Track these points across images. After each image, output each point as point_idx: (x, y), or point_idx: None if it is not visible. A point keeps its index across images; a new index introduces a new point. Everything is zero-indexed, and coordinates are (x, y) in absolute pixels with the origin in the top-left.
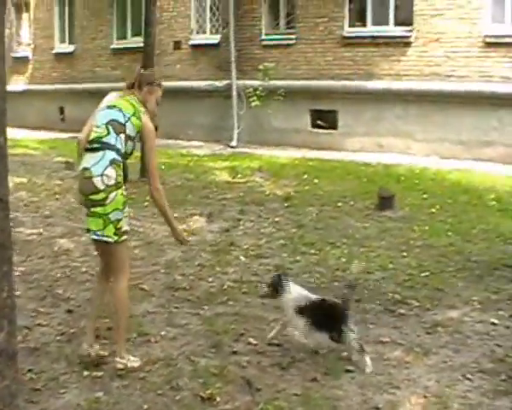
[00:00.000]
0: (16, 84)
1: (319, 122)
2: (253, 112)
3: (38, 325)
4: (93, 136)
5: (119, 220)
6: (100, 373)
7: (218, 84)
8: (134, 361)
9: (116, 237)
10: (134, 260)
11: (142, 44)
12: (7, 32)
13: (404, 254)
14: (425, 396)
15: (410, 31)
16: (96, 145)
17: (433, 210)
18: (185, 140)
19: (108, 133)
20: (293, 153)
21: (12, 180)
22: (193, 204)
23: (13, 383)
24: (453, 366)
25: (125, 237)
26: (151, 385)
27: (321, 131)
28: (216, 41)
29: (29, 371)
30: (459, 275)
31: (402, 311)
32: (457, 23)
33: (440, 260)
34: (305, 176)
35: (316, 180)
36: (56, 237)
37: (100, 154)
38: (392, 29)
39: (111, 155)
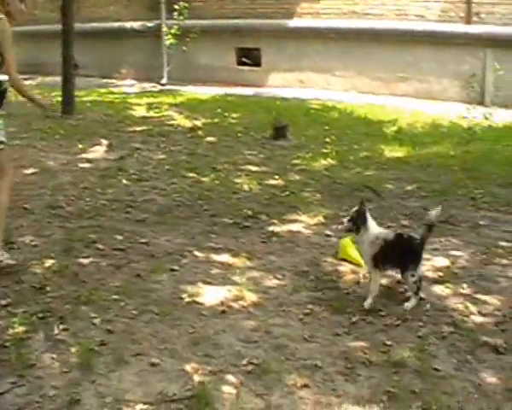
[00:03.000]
0: None
1: (244, 59)
2: (179, 51)
3: None
4: None
5: None
6: None
7: (149, 24)
8: (10, 259)
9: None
10: (24, 185)
11: None
12: None
13: (277, 177)
14: (229, 291)
15: None
16: None
17: (327, 140)
18: (119, 79)
19: None
20: (217, 90)
21: None
22: (101, 136)
23: None
24: (270, 268)
25: (1, 146)
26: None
27: (246, 68)
28: None
29: None
30: (318, 195)
31: (248, 224)
32: None
33: (307, 183)
34: (219, 110)
35: (226, 114)
36: None
37: None
38: None
39: None
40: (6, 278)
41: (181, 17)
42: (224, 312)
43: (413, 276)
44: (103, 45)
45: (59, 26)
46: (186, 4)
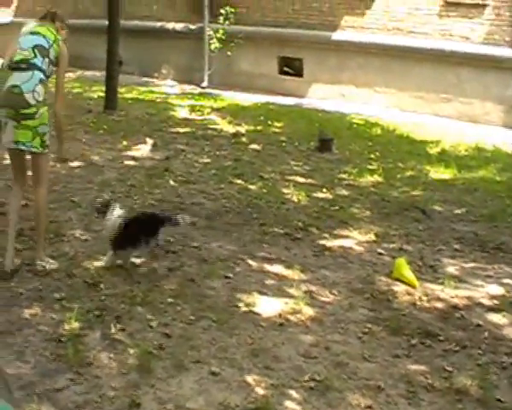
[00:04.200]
0: (2, 16)
1: (286, 69)
2: (222, 55)
3: None
4: (19, 57)
5: (44, 134)
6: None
7: (192, 26)
8: (52, 264)
9: (41, 149)
10: (71, 178)
11: None
12: None
13: (324, 190)
14: (285, 303)
15: None
16: (23, 66)
17: (372, 156)
18: (159, 79)
19: (35, 56)
20: (258, 97)
21: None
22: (145, 134)
23: None
24: (324, 282)
25: (47, 149)
26: (51, 272)
27: (287, 77)
28: None
29: None
30: (367, 212)
31: (299, 236)
32: None
33: (356, 198)
34: (261, 118)
35: (269, 122)
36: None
37: (29, 73)
38: None
39: (39, 74)
40: (58, 271)
41: (227, 22)
42: (281, 324)
43: None
44: (144, 44)
45: (100, 21)
46: (233, 9)
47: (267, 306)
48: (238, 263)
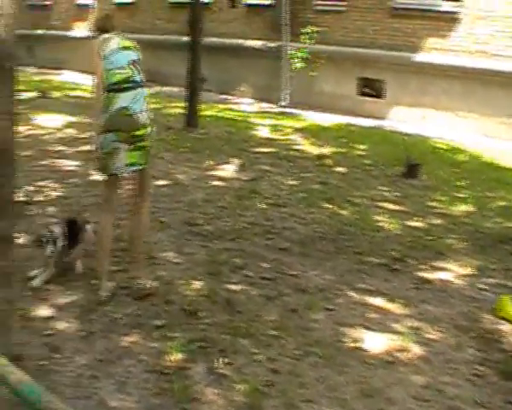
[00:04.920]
0: (79, 30)
1: (366, 90)
2: (302, 75)
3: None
4: (120, 77)
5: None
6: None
7: (271, 44)
8: (153, 284)
9: (149, 164)
10: (159, 197)
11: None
12: None
13: (416, 218)
14: (392, 339)
15: (459, 7)
16: (126, 85)
17: (460, 183)
18: (237, 96)
19: (134, 73)
20: (338, 118)
21: (64, 118)
22: (228, 154)
23: (9, 263)
24: (428, 318)
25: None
26: (148, 295)
27: (367, 98)
28: (271, 2)
29: None
30: (463, 243)
31: (397, 267)
32: (506, 2)
33: (450, 228)
34: (344, 139)
35: (352, 144)
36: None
37: (134, 92)
38: (440, 3)
39: (143, 91)
40: (155, 295)
41: (310, 41)
42: (390, 362)
43: None
44: (222, 61)
45: (177, 38)
46: (316, 29)
47: (373, 342)
48: (338, 294)
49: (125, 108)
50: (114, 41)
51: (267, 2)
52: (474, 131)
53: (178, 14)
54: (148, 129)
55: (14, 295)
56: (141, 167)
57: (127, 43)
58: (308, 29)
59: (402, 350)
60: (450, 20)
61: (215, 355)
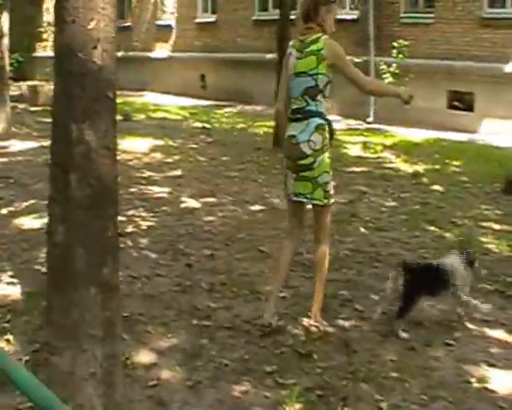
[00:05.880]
0: (160, 51)
1: (456, 103)
2: None
3: (157, 275)
4: (294, 107)
5: (327, 183)
6: (208, 323)
7: (357, 59)
8: (326, 326)
9: (325, 200)
10: (256, 224)
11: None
12: (152, 0)
13: None
14: None
15: None
16: (298, 116)
17: None
18: None
19: (307, 104)
20: (428, 132)
21: (150, 142)
22: None
23: (114, 314)
24: None
25: (332, 200)
26: (254, 338)
27: (457, 112)
28: (355, 17)
29: (140, 314)
30: None
31: (511, 293)
32: None
33: None
34: (437, 155)
35: (446, 160)
36: (184, 196)
37: (304, 122)
38: None
39: (315, 121)
40: (262, 337)
41: (400, 56)
42: None
43: None
44: None
45: (259, 55)
46: (406, 42)
47: (500, 381)
48: (456, 327)
49: (293, 136)
50: (291, 61)
51: (352, 17)
52: None
53: (261, 31)
54: (317, 159)
55: (119, 348)
56: (305, 200)
57: (301, 67)
58: (397, 43)
59: None
60: None
61: (337, 404)
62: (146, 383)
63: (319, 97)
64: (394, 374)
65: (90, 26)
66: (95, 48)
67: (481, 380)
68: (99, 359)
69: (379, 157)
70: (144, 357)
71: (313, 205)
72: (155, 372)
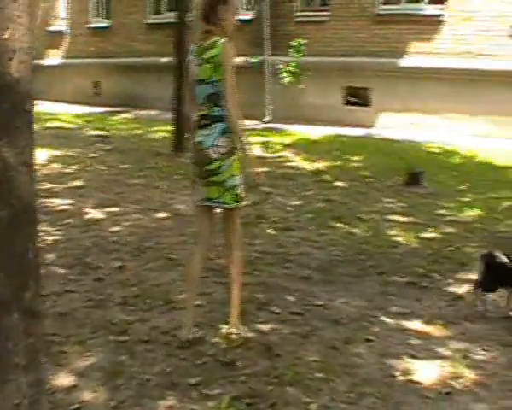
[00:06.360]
0: (52, 58)
1: (352, 99)
2: (286, 88)
3: (67, 291)
4: (200, 113)
5: (235, 186)
6: (125, 338)
7: (252, 59)
8: (247, 332)
9: (235, 203)
10: (163, 232)
11: (175, 20)
12: (42, 6)
13: (430, 229)
14: (442, 366)
15: (443, 9)
16: (204, 121)
17: (462, 187)
18: None
19: (211, 110)
20: (325, 129)
21: (47, 152)
22: None
23: (37, 340)
24: (471, 337)
25: (244, 203)
26: (174, 350)
27: (353, 107)
28: (249, 17)
29: (54, 334)
30: (484, 250)
31: (424, 284)
32: (490, 2)
33: (466, 236)
34: (336, 152)
35: (346, 156)
36: (87, 207)
37: (210, 128)
38: (424, 7)
39: (220, 126)
40: (182, 349)
41: (298, 54)
42: (448, 393)
43: None
44: None
45: (151, 59)
46: (303, 41)
47: (423, 371)
48: (373, 322)
49: (199, 142)
50: (192, 69)
51: (247, 18)
52: (465, 132)
53: (155, 35)
54: (225, 163)
55: (43, 375)
56: (213, 204)
57: (202, 75)
58: (293, 42)
59: (456, 377)
60: (435, 22)
61: None
62: (68, 407)
63: (222, 102)
64: (319, 375)
65: (4, 36)
66: (11, 59)
67: (405, 373)
68: (23, 389)
69: (279, 156)
70: (63, 380)
71: (223, 209)
72: (76, 395)
